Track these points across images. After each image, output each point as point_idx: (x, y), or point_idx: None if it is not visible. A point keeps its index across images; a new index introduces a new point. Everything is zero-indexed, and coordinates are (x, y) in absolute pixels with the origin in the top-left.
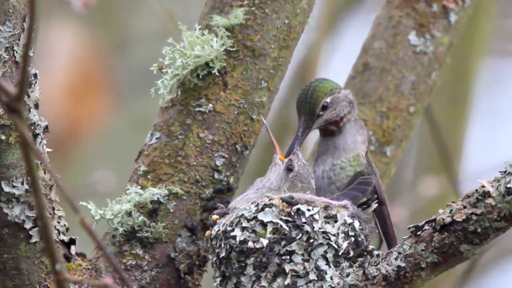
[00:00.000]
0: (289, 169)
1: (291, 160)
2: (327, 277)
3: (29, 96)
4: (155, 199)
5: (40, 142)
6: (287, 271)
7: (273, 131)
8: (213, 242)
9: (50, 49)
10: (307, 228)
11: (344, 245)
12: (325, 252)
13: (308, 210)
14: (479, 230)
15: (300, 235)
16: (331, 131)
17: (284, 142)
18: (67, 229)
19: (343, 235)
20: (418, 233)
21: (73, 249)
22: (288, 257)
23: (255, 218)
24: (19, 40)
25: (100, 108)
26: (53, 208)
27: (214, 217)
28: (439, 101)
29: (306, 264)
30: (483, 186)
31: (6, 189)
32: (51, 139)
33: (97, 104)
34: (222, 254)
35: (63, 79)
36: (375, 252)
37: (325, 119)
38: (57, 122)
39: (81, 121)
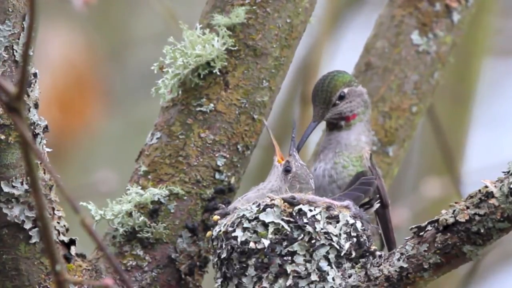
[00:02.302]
0: (287, 170)
1: (288, 161)
2: (329, 278)
3: (28, 96)
4: (156, 199)
5: (40, 142)
6: (288, 272)
7: (274, 131)
8: (214, 243)
9: (43, 51)
10: (309, 228)
11: (346, 245)
12: (327, 252)
13: (310, 210)
14: (482, 231)
15: (302, 235)
16: (339, 126)
17: (286, 142)
18: (67, 230)
19: (345, 235)
20: (421, 233)
21: (73, 250)
22: (289, 257)
23: (256, 218)
24: (18, 39)
25: (93, 111)
26: (53, 209)
27: (215, 217)
28: (442, 101)
29: (308, 265)
30: (486, 187)
31: (6, 189)
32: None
33: (89, 107)
34: (223, 255)
35: (55, 82)
36: (378, 253)
37: (339, 110)
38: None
39: (71, 125)
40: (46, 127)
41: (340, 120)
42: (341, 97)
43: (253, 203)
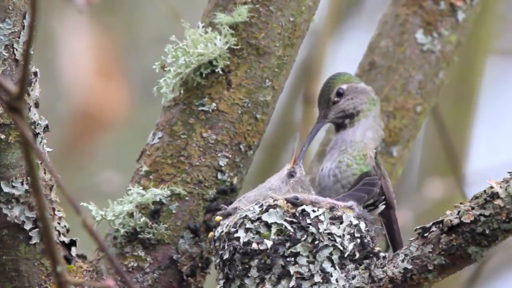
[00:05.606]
0: (291, 175)
1: (294, 167)
2: (333, 279)
3: (29, 95)
4: (157, 199)
5: (41, 142)
6: (291, 273)
7: (276, 130)
8: (217, 244)
9: (65, 41)
10: (312, 229)
11: (350, 246)
12: (331, 254)
13: (313, 211)
14: (487, 232)
15: (305, 236)
16: (344, 124)
17: (287, 142)
18: (68, 230)
19: (348, 236)
20: (425, 234)
21: (73, 251)
22: (292, 259)
23: (259, 219)
24: (19, 37)
25: (123, 97)
26: (54, 209)
27: (218, 218)
28: (446, 100)
29: (311, 266)
30: (491, 187)
31: (6, 189)
32: (81, 122)
33: (120, 93)
34: (226, 256)
35: (90, 65)
36: (382, 254)
37: (341, 108)
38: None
39: (109, 106)
40: (46, 126)
41: (345, 119)
42: (340, 94)
43: (256, 204)
